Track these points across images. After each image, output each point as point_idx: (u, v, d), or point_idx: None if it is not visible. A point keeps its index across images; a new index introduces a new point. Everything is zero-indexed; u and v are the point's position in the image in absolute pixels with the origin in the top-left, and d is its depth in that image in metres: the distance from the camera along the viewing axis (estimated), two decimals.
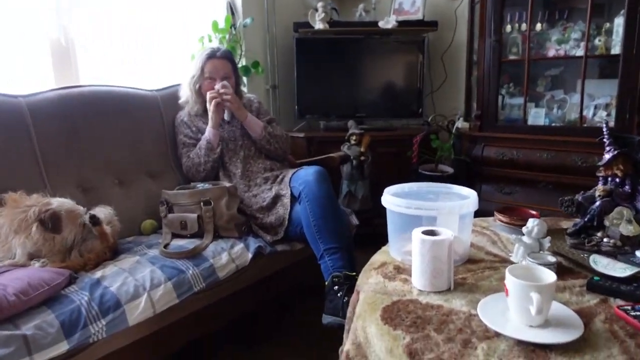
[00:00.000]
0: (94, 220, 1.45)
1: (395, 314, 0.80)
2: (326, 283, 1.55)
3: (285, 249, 1.78)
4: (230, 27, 2.59)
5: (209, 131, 1.93)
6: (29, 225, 1.34)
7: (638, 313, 0.77)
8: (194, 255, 1.54)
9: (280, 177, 1.90)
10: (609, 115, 2.35)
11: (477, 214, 1.05)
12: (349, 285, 1.48)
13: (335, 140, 2.52)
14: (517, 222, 1.17)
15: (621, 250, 1.04)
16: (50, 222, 1.35)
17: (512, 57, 2.52)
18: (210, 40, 2.51)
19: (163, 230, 1.74)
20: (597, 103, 2.41)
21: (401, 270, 0.99)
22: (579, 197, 1.11)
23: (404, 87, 2.94)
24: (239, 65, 2.65)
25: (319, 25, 2.77)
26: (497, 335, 0.73)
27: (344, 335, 0.99)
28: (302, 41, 2.81)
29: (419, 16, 2.85)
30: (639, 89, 2.14)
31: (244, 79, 2.71)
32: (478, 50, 2.63)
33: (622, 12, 2.17)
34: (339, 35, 2.84)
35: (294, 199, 1.76)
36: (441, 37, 3.00)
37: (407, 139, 2.69)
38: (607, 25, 2.30)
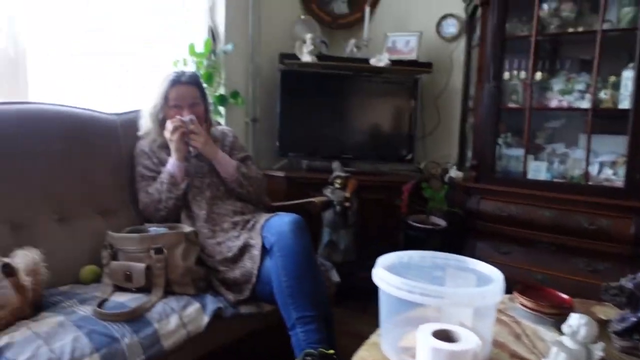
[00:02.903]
0: (7, 269, 1.15)
1: None
2: None
3: (251, 311, 1.49)
4: (210, 53, 2.37)
5: (172, 163, 1.65)
6: None
7: None
8: (134, 318, 1.24)
9: (251, 222, 1.63)
10: (615, 174, 2.17)
11: None
12: None
13: (318, 182, 2.26)
14: (546, 309, 0.91)
15: None
16: None
17: (511, 105, 2.35)
18: (185, 64, 2.28)
19: (103, 281, 1.44)
20: (601, 160, 2.23)
21: None
22: (628, 283, 0.87)
23: (393, 129, 2.74)
24: (216, 94, 2.42)
25: (306, 57, 2.57)
26: None
27: None
28: (288, 73, 2.60)
29: (412, 56, 2.68)
30: None
31: (221, 110, 2.47)
32: (475, 95, 2.46)
33: (631, 65, 2.02)
34: (327, 69, 2.64)
35: (265, 251, 1.49)
36: (435, 79, 2.83)
37: (396, 186, 2.46)
38: (614, 78, 2.15)
